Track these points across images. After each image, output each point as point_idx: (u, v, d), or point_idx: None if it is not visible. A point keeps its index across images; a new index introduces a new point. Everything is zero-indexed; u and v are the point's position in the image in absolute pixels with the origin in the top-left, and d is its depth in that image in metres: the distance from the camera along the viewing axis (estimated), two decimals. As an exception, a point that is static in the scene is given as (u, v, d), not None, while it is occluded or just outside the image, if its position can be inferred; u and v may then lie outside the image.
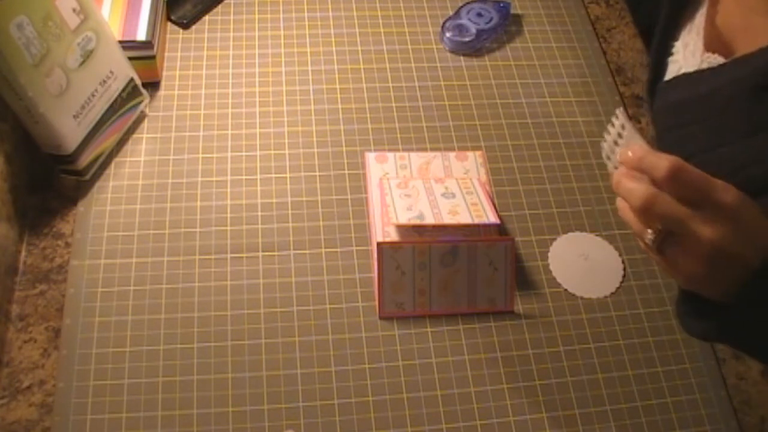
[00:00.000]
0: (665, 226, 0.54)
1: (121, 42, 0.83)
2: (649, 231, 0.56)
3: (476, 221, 0.79)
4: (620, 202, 0.58)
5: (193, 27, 0.98)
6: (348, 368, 0.74)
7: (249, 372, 0.73)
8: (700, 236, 0.53)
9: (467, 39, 0.98)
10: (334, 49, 0.98)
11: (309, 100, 0.92)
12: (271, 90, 0.93)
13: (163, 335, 0.74)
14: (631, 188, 0.55)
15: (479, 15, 1.00)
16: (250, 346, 0.74)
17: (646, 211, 0.54)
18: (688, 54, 0.75)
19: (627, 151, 0.57)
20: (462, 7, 1.02)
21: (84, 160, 0.81)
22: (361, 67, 0.96)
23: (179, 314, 0.75)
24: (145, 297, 0.76)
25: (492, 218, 0.80)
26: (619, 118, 0.60)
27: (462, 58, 0.98)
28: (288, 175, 0.86)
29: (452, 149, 0.90)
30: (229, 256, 0.79)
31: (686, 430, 0.73)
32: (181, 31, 0.97)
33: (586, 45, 1.02)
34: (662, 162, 0.53)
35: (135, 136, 0.87)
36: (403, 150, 0.89)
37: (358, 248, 0.81)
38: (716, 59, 0.71)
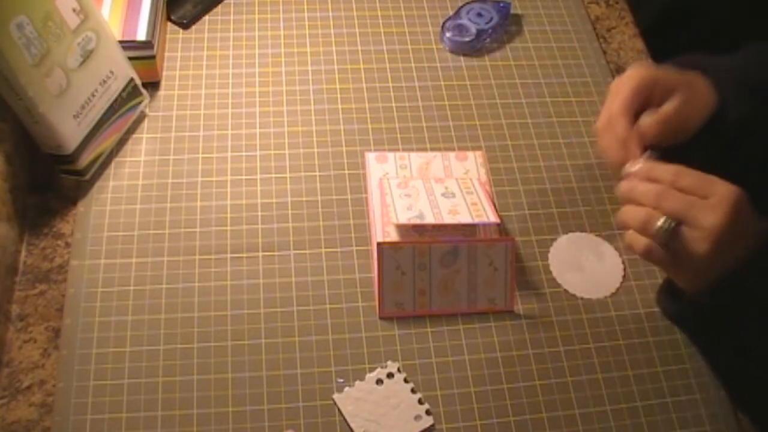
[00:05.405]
0: (675, 217, 0.62)
1: (121, 42, 0.83)
2: (662, 218, 0.62)
3: (476, 221, 0.79)
4: (627, 209, 0.66)
5: (193, 27, 0.98)
6: (348, 368, 0.74)
7: (249, 372, 0.73)
8: (705, 221, 0.60)
9: (467, 39, 0.98)
10: (334, 49, 0.98)
11: (309, 100, 0.92)
12: (271, 90, 0.93)
13: (163, 335, 0.74)
14: (646, 188, 0.64)
15: (479, 15, 1.00)
16: (250, 346, 0.74)
17: (659, 205, 0.63)
18: None
19: (634, 164, 0.68)
20: (462, 7, 1.02)
21: (84, 160, 0.81)
22: (361, 67, 0.96)
23: (179, 314, 0.75)
24: (145, 297, 0.76)
25: (492, 218, 0.80)
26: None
27: (462, 58, 0.98)
28: (288, 175, 0.86)
29: (452, 149, 0.90)
30: (229, 256, 0.79)
31: (686, 430, 0.73)
32: (181, 31, 0.97)
33: (586, 45, 1.02)
34: (669, 167, 0.64)
35: (135, 136, 0.87)
36: (403, 150, 0.89)
37: (358, 248, 0.81)
38: None
